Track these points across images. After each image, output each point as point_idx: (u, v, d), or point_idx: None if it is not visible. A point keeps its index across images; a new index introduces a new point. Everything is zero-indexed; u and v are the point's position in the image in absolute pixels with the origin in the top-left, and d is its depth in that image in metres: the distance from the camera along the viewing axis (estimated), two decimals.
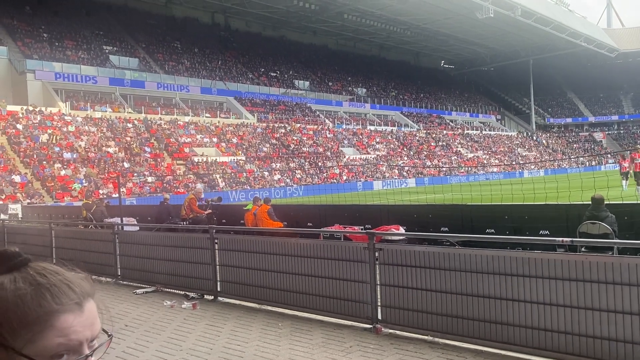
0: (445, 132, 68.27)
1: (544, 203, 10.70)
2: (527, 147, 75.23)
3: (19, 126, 34.62)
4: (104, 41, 50.72)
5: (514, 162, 64.49)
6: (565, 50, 75.94)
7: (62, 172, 31.73)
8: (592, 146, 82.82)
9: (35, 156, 32.16)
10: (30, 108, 37.06)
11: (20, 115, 35.73)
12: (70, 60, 44.72)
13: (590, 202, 8.10)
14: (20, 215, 24.16)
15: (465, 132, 71.51)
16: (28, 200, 27.75)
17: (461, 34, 70.67)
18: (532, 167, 61.79)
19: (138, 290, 8.71)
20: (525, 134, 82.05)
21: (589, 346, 4.56)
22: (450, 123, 73.87)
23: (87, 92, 43.81)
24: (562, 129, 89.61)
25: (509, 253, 5.19)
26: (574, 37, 69.51)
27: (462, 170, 54.40)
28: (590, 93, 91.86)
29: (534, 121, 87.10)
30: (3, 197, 27.41)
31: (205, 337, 6.04)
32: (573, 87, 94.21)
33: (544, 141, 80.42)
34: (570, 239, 5.68)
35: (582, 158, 68.35)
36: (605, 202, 8.10)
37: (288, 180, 41.66)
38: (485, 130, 76.43)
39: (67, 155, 33.69)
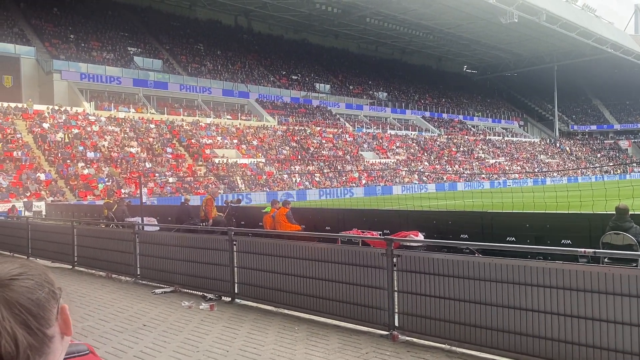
0: (466, 137, 67.71)
1: (567, 212, 10.53)
2: (549, 154, 74.19)
3: (45, 125, 35.30)
4: (129, 42, 51.48)
5: (536, 169, 63.64)
6: (591, 57, 74.76)
7: (86, 171, 32.25)
8: (617, 154, 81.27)
9: (59, 155, 32.74)
10: (56, 107, 37.77)
11: (46, 115, 36.44)
12: (96, 61, 45.50)
13: (614, 212, 7.94)
14: (44, 213, 24.63)
15: (487, 137, 70.82)
16: (52, 198, 28.27)
17: (484, 39, 70.08)
18: (555, 174, 60.90)
19: (157, 290, 8.79)
20: (548, 141, 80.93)
21: None
22: (472, 128, 73.22)
23: (111, 93, 44.51)
24: (587, 136, 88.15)
25: (530, 263, 5.11)
26: (600, 43, 68.40)
27: (483, 177, 53.87)
28: (616, 100, 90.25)
29: (557, 128, 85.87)
30: (28, 194, 27.95)
31: (222, 339, 6.06)
32: (598, 94, 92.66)
33: (567, 148, 79.22)
34: (593, 249, 5.57)
35: (606, 167, 67.09)
36: (630, 213, 7.93)
37: (307, 183, 41.72)
38: (507, 136, 75.62)
39: (90, 154, 34.23)
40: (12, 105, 36.15)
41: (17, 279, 0.83)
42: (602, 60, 76.15)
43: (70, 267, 11.46)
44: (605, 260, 7.27)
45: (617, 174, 64.60)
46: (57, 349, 0.86)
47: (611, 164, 70.41)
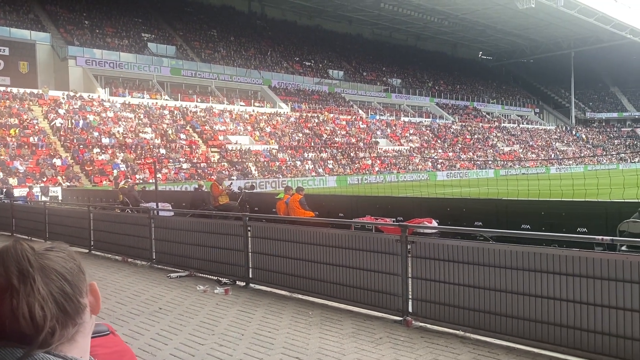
0: (481, 124, 67.12)
1: (583, 200, 10.41)
2: (565, 141, 73.33)
3: (61, 111, 35.59)
4: (143, 29, 51.54)
5: (552, 157, 62.99)
6: (609, 43, 73.46)
7: (101, 157, 32.53)
8: (635, 142, 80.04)
9: (75, 141, 33.03)
10: (71, 94, 38.04)
11: (62, 101, 36.72)
12: (110, 47, 45.63)
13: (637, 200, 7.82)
14: (60, 198, 24.94)
15: (502, 125, 70.14)
16: (68, 183, 28.59)
17: (500, 25, 69.12)
18: (571, 162, 60.22)
19: (172, 274, 8.88)
20: (564, 128, 79.95)
21: (626, 348, 4.43)
22: (487, 115, 72.52)
23: (125, 79, 44.66)
24: (603, 124, 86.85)
25: (544, 250, 5.07)
26: (619, 28, 67.14)
27: (497, 164, 53.45)
28: (634, 87, 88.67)
29: (573, 115, 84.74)
30: (44, 179, 28.29)
31: (237, 322, 6.12)
32: (616, 81, 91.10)
33: (583, 136, 78.20)
34: (611, 237, 5.52)
35: (623, 154, 66.18)
36: None
37: (320, 170, 41.72)
38: (522, 123, 74.81)
39: (105, 140, 34.50)
40: (28, 91, 36.48)
41: (51, 250, 0.88)
42: (620, 46, 74.78)
43: (87, 251, 11.62)
44: (622, 248, 7.19)
45: (635, 162, 63.68)
46: (88, 322, 0.89)
47: (628, 152, 69.37)
